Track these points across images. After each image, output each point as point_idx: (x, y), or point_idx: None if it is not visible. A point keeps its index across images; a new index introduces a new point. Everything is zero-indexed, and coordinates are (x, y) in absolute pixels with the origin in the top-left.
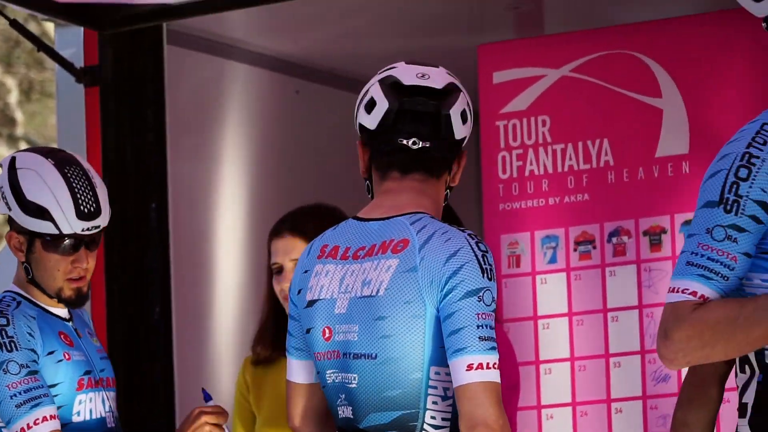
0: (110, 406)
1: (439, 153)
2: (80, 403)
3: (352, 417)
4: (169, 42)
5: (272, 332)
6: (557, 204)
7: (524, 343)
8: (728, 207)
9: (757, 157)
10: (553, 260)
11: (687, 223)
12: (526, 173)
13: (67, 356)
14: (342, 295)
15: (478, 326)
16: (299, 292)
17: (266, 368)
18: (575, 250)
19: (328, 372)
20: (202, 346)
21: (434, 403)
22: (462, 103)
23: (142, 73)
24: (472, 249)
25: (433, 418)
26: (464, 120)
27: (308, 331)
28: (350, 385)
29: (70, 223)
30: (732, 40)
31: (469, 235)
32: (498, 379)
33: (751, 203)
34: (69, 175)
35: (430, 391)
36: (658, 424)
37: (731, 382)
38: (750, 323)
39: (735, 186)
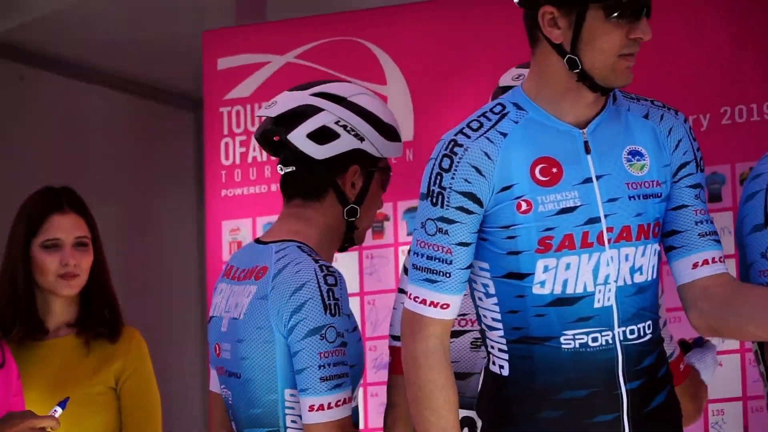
0: None
1: (305, 175)
2: None
3: (234, 431)
4: None
5: (25, 309)
6: (279, 190)
7: None
8: (434, 200)
9: (461, 146)
10: None
11: (410, 210)
12: (249, 160)
13: None
14: (226, 314)
15: (320, 366)
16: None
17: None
18: None
19: (221, 387)
20: None
21: (293, 421)
22: (316, 122)
23: None
24: (318, 283)
25: None
26: (321, 139)
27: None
28: (229, 401)
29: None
30: (460, 28)
31: (320, 266)
32: (343, 414)
33: (455, 195)
34: None
35: (287, 411)
36: (378, 412)
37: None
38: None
39: (439, 177)
